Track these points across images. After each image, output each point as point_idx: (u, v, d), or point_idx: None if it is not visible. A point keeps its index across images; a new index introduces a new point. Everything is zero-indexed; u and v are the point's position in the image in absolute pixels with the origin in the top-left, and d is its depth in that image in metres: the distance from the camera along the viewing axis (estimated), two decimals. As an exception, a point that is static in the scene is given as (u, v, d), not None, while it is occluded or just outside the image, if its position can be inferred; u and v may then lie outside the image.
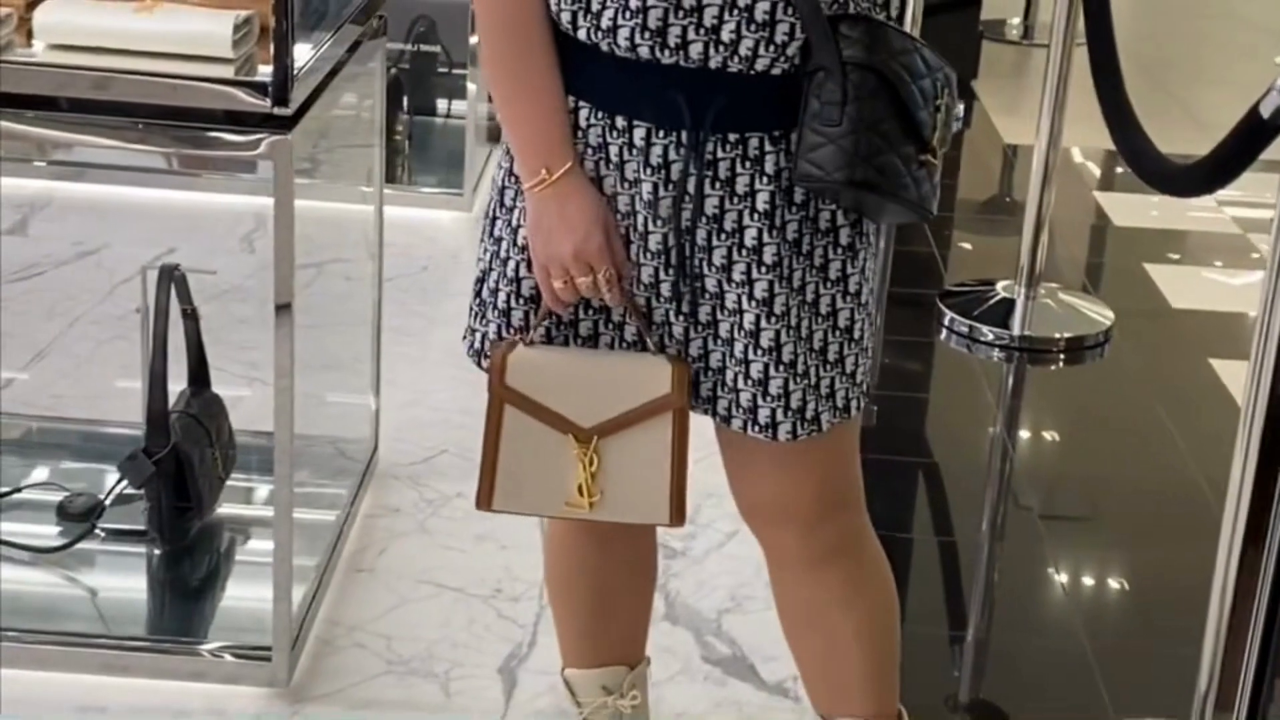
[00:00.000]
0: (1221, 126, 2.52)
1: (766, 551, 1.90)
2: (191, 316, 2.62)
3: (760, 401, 1.72)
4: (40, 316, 3.56)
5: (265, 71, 2.15)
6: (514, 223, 1.75)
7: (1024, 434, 3.54)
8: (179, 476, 2.53)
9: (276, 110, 2.13)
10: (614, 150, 1.68)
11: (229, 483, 2.70)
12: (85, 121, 2.19)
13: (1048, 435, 3.59)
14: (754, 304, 1.69)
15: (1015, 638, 2.74)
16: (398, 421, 3.14)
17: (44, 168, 4.32)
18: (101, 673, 2.35)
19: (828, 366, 1.75)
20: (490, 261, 1.79)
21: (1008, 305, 3.88)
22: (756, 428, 1.73)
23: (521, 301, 1.76)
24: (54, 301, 3.64)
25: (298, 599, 2.40)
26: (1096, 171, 5.35)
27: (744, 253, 1.68)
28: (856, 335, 1.76)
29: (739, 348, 1.71)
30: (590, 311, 1.75)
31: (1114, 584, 2.93)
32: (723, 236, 1.68)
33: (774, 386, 1.71)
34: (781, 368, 1.71)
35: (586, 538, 1.97)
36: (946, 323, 3.86)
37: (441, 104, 4.84)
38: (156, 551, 2.58)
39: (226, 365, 3.13)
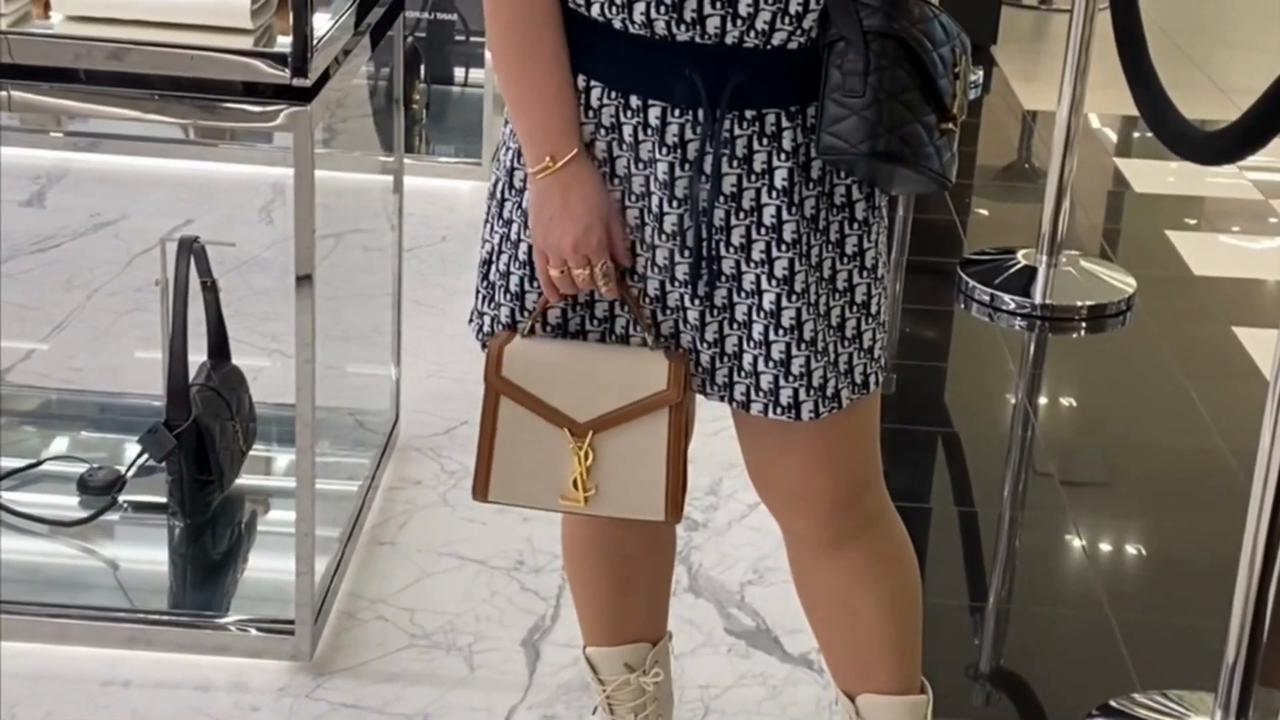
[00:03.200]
0: (1243, 92, 2.50)
1: (787, 534, 1.88)
2: (211, 289, 2.61)
3: (782, 382, 1.70)
4: (58, 288, 3.56)
5: (284, 42, 2.13)
6: (525, 205, 1.72)
7: (1046, 403, 3.52)
8: (200, 450, 2.53)
9: (296, 81, 2.11)
10: (628, 130, 1.65)
11: (250, 455, 2.69)
12: (103, 93, 2.17)
13: (1070, 404, 3.57)
14: (774, 283, 1.67)
15: (1037, 607, 2.72)
16: (418, 393, 3.13)
17: (60, 139, 4.31)
18: (124, 646, 2.35)
19: (846, 343, 1.73)
20: (500, 244, 1.76)
21: (1029, 273, 3.86)
22: (779, 409, 1.71)
23: (535, 285, 1.73)
24: (72, 273, 3.63)
25: (320, 572, 2.39)
26: (1114, 137, 5.32)
27: (763, 231, 1.66)
28: (873, 310, 1.74)
29: (758, 329, 1.69)
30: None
31: (1137, 553, 2.92)
32: (741, 215, 1.66)
33: (796, 366, 1.69)
34: (803, 346, 1.69)
35: (602, 522, 1.96)
36: (967, 291, 3.84)
37: (459, 73, 4.82)
38: (178, 525, 2.58)
39: (246, 337, 3.13)
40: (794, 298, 1.67)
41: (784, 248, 1.65)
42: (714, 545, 2.73)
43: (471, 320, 1.81)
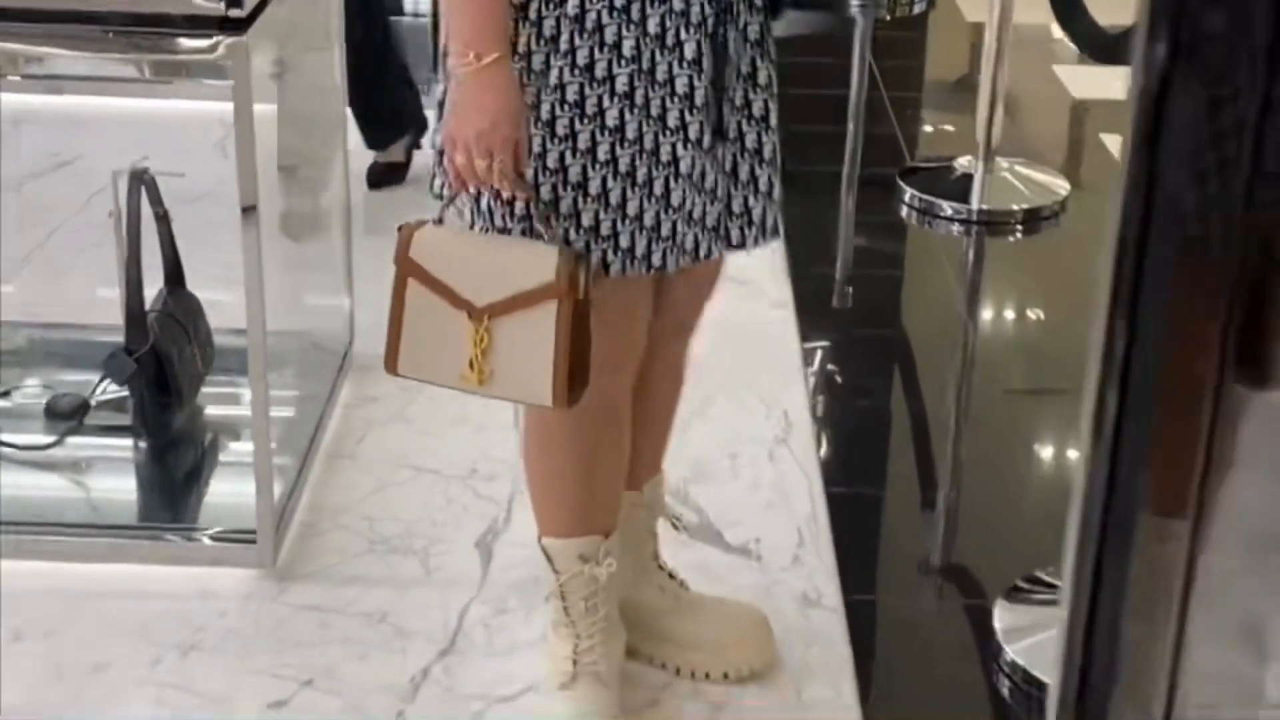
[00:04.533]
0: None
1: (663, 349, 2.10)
2: (164, 218, 2.71)
3: (768, 209, 1.95)
4: (17, 228, 3.64)
5: (219, -25, 2.22)
6: None
7: (984, 303, 3.64)
8: (160, 372, 2.63)
9: (231, 12, 2.20)
10: (653, 22, 1.80)
11: (211, 377, 2.80)
12: (41, 33, 2.26)
13: (1007, 303, 3.69)
14: (754, 123, 1.90)
15: (985, 502, 2.85)
16: (375, 315, 3.20)
17: (14, 81, 4.36)
18: (97, 561, 2.46)
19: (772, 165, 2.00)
20: None
21: (967, 180, 3.97)
22: (765, 236, 1.96)
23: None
24: (31, 213, 3.71)
25: (280, 486, 2.51)
26: (1064, 47, 5.40)
27: (741, 80, 1.88)
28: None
29: (745, 170, 1.91)
30: (570, 189, 1.85)
31: (1073, 448, 3.05)
32: (731, 70, 1.88)
33: (776, 194, 1.95)
34: (777, 174, 1.94)
35: (577, 414, 2.03)
36: (907, 200, 3.95)
37: (408, 2, 4.89)
38: (143, 445, 2.69)
39: (206, 268, 3.22)
40: (770, 133, 1.91)
41: (759, 90, 1.90)
42: (659, 448, 2.85)
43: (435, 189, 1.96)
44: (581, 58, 1.79)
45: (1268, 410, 0.97)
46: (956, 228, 3.89)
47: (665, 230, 1.86)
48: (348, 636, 2.35)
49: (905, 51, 5.39)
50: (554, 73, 1.80)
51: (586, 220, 1.85)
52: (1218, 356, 1.03)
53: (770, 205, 1.94)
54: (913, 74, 5.24)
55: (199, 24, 2.25)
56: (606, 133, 1.81)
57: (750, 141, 1.91)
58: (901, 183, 3.99)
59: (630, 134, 1.82)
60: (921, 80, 5.25)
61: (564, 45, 1.79)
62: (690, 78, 1.81)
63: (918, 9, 5.69)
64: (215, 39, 2.23)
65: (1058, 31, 5.33)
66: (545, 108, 1.82)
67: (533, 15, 1.79)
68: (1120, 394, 1.22)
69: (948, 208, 3.89)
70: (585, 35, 1.79)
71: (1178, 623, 1.06)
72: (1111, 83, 4.84)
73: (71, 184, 3.84)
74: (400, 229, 1.91)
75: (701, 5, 1.80)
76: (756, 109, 1.90)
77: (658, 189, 1.84)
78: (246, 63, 2.23)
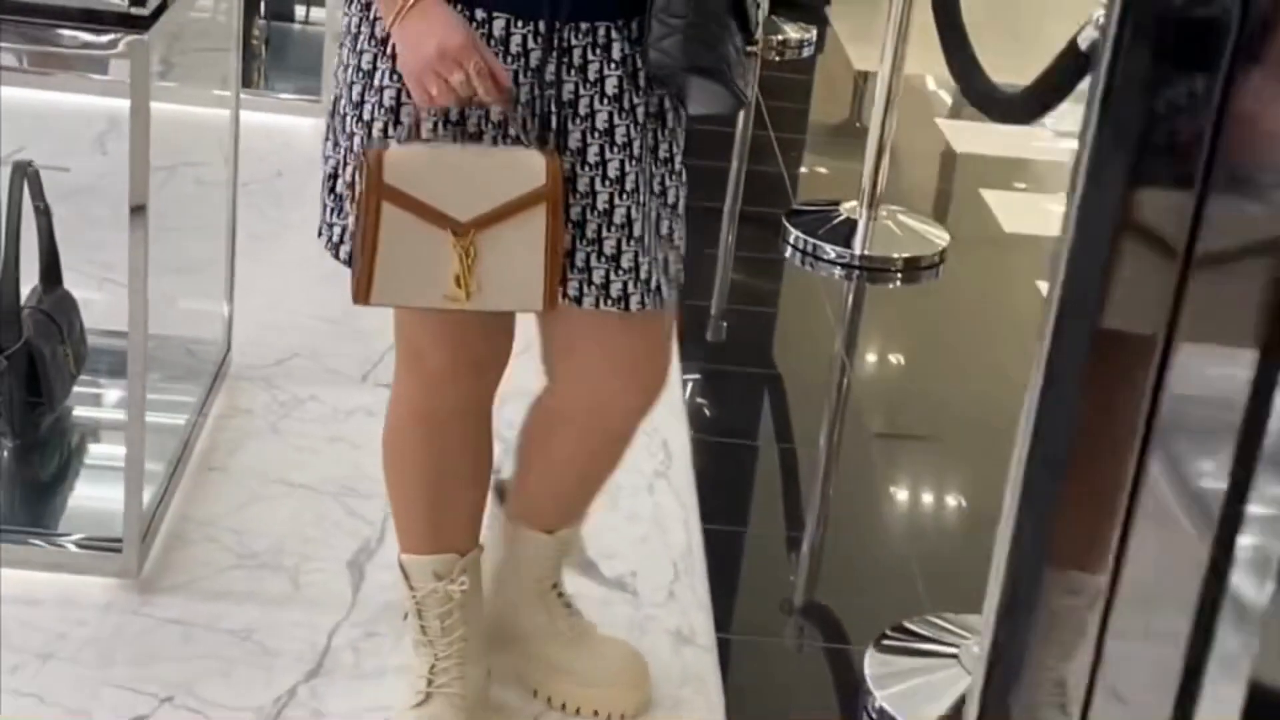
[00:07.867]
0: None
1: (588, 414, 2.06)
2: (44, 213, 2.64)
3: (612, 276, 1.85)
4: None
5: (121, -29, 2.17)
6: (389, 52, 1.81)
7: (861, 348, 3.68)
8: (31, 371, 2.56)
9: (133, 9, 2.16)
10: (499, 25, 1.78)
11: (81, 380, 2.73)
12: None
13: (883, 349, 3.74)
14: (607, 184, 1.83)
15: (848, 544, 2.87)
16: (252, 325, 3.18)
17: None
18: (-46, 563, 2.39)
19: (663, 242, 1.92)
20: (344, 156, 1.88)
21: (851, 225, 4.01)
22: (609, 301, 1.86)
23: (383, 111, 1.84)
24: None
25: (149, 495, 2.45)
26: (948, 100, 5.50)
27: (596, 135, 1.82)
28: (680, 211, 1.94)
29: (591, 229, 1.84)
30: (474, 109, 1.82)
31: (937, 492, 3.09)
32: (578, 121, 1.81)
33: (625, 260, 1.85)
34: (632, 242, 1.85)
35: (424, 424, 2.05)
36: (792, 240, 3.99)
37: (299, 10, 4.84)
38: (8, 445, 2.61)
39: (80, 266, 3.14)
40: (624, 196, 1.83)
41: (616, 150, 1.82)
42: (537, 475, 2.83)
43: (321, 233, 1.92)
44: None
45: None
46: (838, 271, 3.93)
47: (488, 141, 1.83)
48: (211, 653, 2.30)
49: (791, 93, 5.45)
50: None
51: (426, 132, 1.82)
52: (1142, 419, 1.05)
53: (617, 274, 1.87)
54: (798, 116, 5.30)
55: (94, 18, 2.20)
56: None
57: (601, 202, 1.84)
58: (787, 223, 4.02)
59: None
60: (806, 122, 5.32)
61: None
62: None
63: (805, 53, 5.76)
64: (114, 34, 2.17)
65: (933, 84, 5.47)
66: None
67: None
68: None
69: (831, 251, 3.93)
70: None
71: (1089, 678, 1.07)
72: (993, 140, 4.94)
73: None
74: (365, 154, 1.82)
75: (524, 37, 1.78)
76: (611, 170, 1.84)
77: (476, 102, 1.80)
78: (147, 61, 2.18)
